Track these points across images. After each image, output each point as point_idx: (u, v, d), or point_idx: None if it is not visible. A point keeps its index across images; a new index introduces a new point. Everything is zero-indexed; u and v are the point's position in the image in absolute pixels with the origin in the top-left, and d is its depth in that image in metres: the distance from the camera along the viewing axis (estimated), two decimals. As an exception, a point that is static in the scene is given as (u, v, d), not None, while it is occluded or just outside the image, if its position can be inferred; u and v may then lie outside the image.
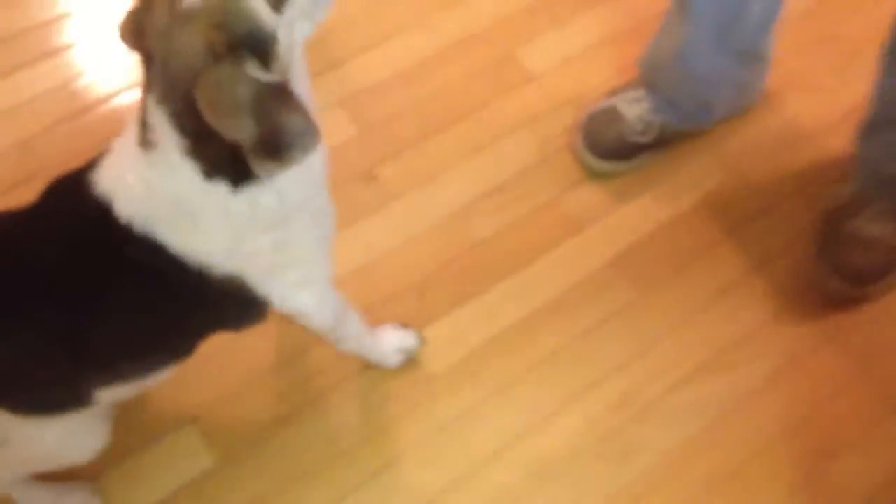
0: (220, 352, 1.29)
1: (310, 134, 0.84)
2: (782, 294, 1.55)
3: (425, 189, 1.66)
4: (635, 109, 1.63)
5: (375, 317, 1.46)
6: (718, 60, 1.53)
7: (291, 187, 0.98)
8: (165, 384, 1.20)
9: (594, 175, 1.67)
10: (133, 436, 1.38)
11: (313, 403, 1.43)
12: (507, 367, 1.48)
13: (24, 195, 1.04)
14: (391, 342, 1.41)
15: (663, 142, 1.65)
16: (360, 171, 1.67)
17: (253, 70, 0.82)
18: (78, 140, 1.67)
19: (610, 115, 1.66)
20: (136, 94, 1.66)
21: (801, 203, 1.64)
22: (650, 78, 1.63)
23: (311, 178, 1.04)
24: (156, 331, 1.06)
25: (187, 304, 1.04)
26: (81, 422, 1.14)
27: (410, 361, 1.45)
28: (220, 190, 0.92)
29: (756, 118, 1.74)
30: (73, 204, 1.00)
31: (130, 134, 0.95)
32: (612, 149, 1.64)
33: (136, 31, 0.89)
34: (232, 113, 0.82)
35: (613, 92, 1.70)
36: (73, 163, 1.60)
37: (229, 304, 1.06)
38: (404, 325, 1.46)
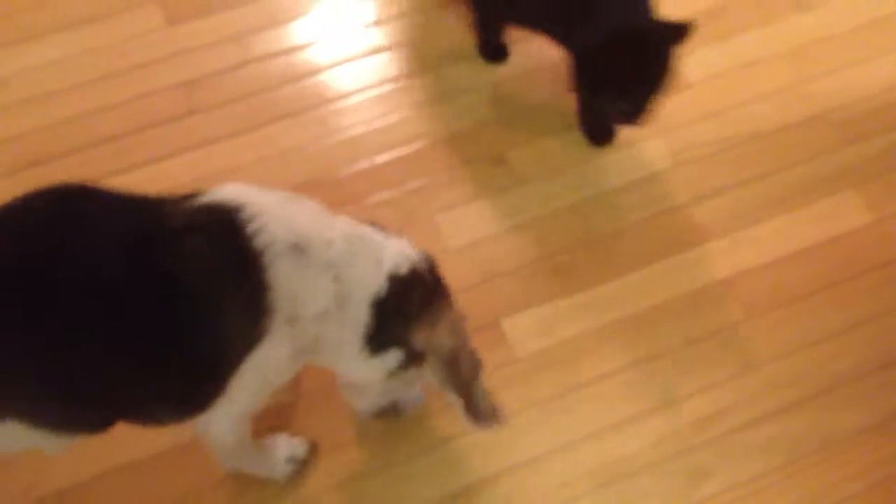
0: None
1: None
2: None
3: (553, 179, 1.68)
4: None
5: (477, 293, 1.51)
6: None
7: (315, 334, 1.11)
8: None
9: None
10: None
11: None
12: (595, 363, 1.47)
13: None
14: (281, 453, 1.36)
15: None
16: (491, 153, 1.71)
17: None
18: (240, 87, 1.80)
19: None
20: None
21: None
22: None
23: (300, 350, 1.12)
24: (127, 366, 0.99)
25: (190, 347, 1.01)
26: None
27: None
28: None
29: None
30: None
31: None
32: None
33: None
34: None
35: None
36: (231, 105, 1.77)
37: (191, 384, 1.05)
38: (291, 434, 1.39)
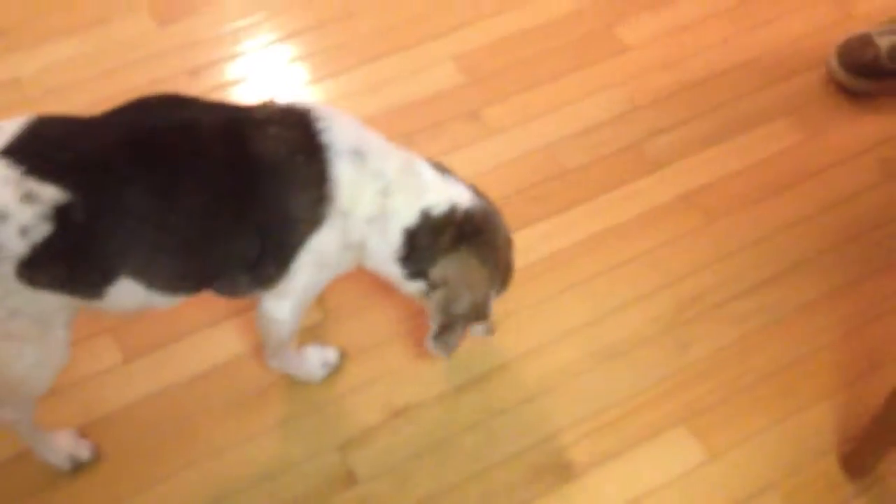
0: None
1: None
2: (844, 230, 1.73)
3: (524, 127, 1.91)
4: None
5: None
6: None
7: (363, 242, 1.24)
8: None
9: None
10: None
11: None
12: (586, 266, 1.68)
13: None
14: (318, 359, 1.52)
15: None
16: (466, 111, 1.93)
17: None
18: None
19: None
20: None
21: None
22: None
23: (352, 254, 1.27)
24: (214, 231, 1.13)
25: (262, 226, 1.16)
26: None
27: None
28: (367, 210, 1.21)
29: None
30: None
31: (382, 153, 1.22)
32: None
33: None
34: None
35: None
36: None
37: (266, 251, 1.18)
38: (324, 344, 1.56)
